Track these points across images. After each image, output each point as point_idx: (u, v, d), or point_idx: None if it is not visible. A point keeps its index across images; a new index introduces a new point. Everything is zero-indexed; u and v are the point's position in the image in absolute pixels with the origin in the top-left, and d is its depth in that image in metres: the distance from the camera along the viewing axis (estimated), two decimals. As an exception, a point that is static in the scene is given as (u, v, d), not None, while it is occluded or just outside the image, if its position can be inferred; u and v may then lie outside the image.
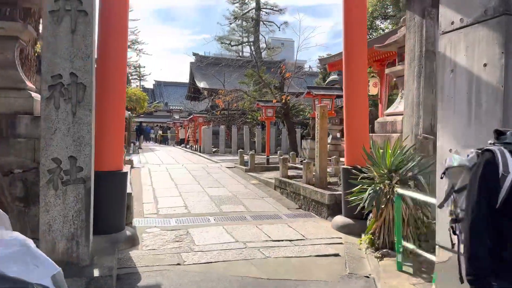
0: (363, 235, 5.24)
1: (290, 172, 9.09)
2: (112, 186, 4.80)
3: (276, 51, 23.95)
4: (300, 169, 10.23)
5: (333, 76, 35.11)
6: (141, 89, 39.27)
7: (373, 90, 12.33)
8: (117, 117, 4.98)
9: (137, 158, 16.10)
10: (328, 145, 8.71)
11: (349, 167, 5.59)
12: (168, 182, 9.56)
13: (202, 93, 26.99)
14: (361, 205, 4.69)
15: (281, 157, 8.83)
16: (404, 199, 4.24)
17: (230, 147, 20.16)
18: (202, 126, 21.07)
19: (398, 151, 4.55)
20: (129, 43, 53.28)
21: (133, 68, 56.07)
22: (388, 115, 6.67)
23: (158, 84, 51.81)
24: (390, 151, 4.62)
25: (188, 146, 25.82)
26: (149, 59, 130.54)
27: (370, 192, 4.57)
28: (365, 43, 5.81)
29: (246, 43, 29.76)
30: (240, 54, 32.78)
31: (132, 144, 23.10)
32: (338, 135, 12.75)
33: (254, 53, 23.52)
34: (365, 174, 4.90)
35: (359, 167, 5.09)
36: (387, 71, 6.88)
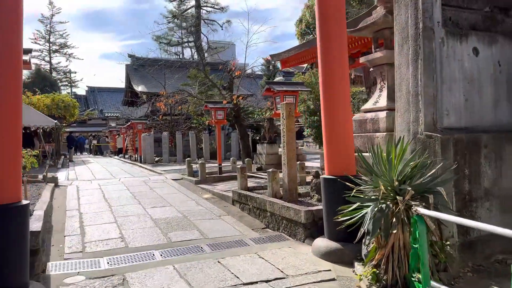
0: (356, 264, 4.09)
1: (249, 183, 7.81)
2: (2, 227, 3.20)
3: (220, 51, 22.58)
4: (259, 177, 9.00)
5: (279, 78, 34.47)
6: (72, 96, 35.89)
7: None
8: (9, 128, 3.37)
9: (65, 173, 13.89)
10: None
11: (334, 177, 4.44)
12: (100, 203, 7.78)
13: (140, 98, 24.83)
14: (362, 230, 3.52)
15: (238, 166, 7.50)
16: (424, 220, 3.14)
17: (175, 156, 18.44)
18: (142, 133, 19.08)
19: (410, 156, 3.45)
20: (57, 47, 49.00)
21: (62, 74, 51.57)
22: (367, 111, 5.63)
23: (92, 90, 48.14)
24: (394, 155, 3.52)
25: (126, 156, 23.56)
26: (81, 64, 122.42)
27: (374, 211, 3.42)
28: (344, 21, 4.71)
29: (187, 44, 28.06)
30: (181, 57, 30.96)
31: (62, 157, 20.55)
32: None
33: (197, 50, 21.97)
34: (360, 187, 3.77)
35: (351, 177, 3.94)
36: (362, 59, 5.84)
